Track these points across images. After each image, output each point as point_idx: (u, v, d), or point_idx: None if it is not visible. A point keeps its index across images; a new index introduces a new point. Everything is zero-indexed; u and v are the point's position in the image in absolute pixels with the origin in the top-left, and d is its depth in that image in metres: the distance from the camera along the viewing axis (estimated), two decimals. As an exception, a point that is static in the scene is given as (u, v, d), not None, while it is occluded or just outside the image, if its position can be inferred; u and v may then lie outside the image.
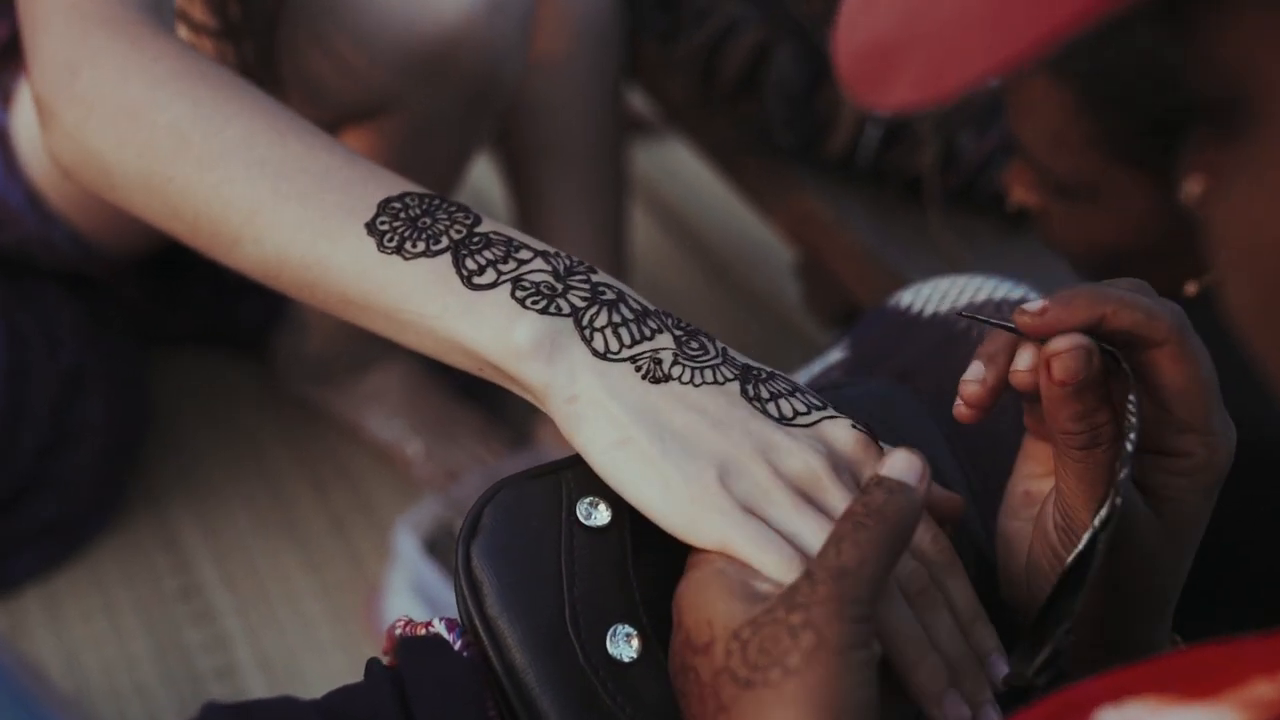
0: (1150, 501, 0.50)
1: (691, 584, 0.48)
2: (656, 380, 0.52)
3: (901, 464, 0.47)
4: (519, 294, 0.53)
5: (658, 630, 0.50)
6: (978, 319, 0.53)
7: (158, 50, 0.61)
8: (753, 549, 0.48)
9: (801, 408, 0.53)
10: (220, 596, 1.18)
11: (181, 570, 1.19)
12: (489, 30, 0.95)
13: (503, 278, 0.54)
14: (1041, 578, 0.52)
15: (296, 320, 1.29)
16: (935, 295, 0.71)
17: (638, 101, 1.46)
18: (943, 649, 0.49)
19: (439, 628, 0.53)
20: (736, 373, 0.53)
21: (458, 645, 0.52)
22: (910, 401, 0.62)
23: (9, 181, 1.00)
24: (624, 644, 0.50)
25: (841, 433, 0.53)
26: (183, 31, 0.83)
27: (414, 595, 1.10)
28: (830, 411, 0.53)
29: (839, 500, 0.50)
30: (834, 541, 0.44)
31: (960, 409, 0.51)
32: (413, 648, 0.53)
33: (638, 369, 0.52)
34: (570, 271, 0.55)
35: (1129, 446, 0.46)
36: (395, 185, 0.58)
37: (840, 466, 0.51)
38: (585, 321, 0.53)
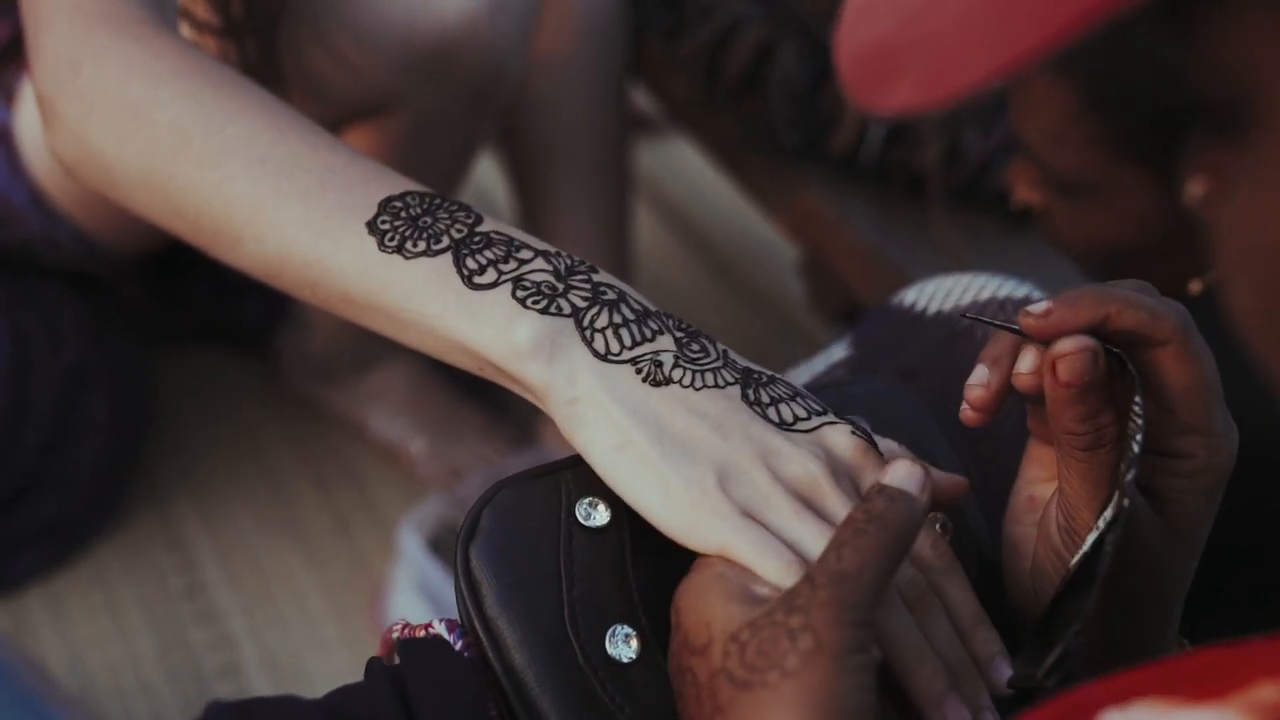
0: (1152, 503, 0.49)
1: (691, 586, 0.48)
2: (657, 383, 0.52)
3: (903, 473, 0.46)
4: (520, 294, 0.53)
5: (657, 631, 0.50)
6: (981, 320, 0.53)
7: (160, 48, 0.61)
8: (752, 553, 0.48)
9: (802, 413, 0.53)
10: (224, 595, 1.18)
11: (185, 569, 1.19)
12: (491, 28, 0.95)
13: (503, 277, 0.54)
14: (1046, 580, 0.52)
15: (300, 319, 1.29)
16: (939, 293, 0.70)
17: (641, 99, 1.46)
18: (942, 654, 0.49)
19: (439, 628, 0.53)
20: (737, 376, 0.53)
21: (458, 646, 0.52)
22: (912, 400, 0.62)
23: (12, 180, 1.00)
24: (623, 644, 0.50)
25: (841, 438, 0.52)
26: (186, 29, 0.83)
27: (418, 594, 1.10)
28: (830, 417, 0.53)
29: (838, 506, 0.50)
30: (835, 546, 0.44)
31: (966, 413, 0.51)
32: (413, 648, 0.53)
33: (638, 371, 0.52)
34: (571, 271, 0.55)
35: (1135, 448, 0.46)
36: (397, 184, 0.57)
37: (840, 472, 0.51)
38: (586, 322, 0.53)
